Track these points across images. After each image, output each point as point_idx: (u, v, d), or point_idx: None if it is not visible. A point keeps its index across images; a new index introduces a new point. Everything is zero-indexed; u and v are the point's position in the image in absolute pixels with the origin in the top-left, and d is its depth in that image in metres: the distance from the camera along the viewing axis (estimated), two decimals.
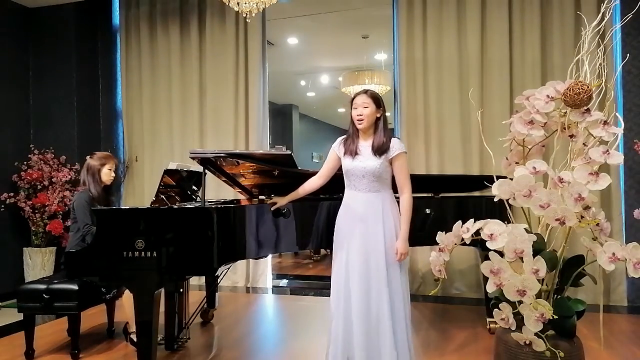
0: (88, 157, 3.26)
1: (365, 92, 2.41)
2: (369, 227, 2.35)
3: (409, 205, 2.36)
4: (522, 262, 1.78)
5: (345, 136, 2.49)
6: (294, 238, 2.78)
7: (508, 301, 1.82)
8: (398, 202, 2.42)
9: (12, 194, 4.62)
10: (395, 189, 2.45)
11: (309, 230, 2.84)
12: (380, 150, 2.35)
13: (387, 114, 2.58)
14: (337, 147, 2.49)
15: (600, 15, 2.00)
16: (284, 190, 2.68)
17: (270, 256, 5.05)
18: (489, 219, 1.87)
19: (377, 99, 2.40)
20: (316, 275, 5.97)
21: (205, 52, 5.14)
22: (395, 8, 4.72)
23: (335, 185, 2.61)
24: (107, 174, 3.23)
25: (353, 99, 2.42)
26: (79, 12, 5.09)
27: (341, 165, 2.48)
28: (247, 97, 5.03)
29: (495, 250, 1.82)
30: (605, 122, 1.84)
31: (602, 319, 1.99)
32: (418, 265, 4.57)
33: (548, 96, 1.92)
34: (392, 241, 2.34)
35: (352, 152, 2.39)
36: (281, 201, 2.61)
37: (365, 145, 2.40)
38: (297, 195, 2.59)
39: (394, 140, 2.38)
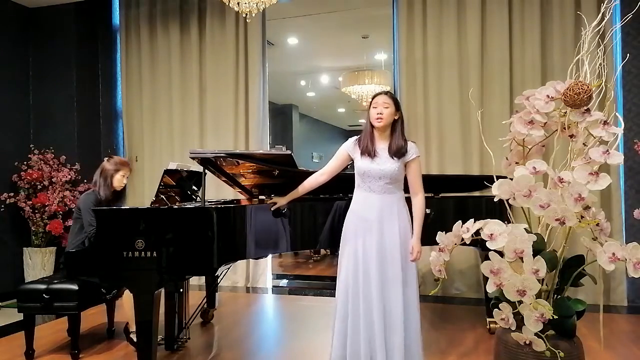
0: (105, 158, 3.26)
1: (386, 92, 2.44)
2: (384, 228, 2.36)
3: (423, 207, 2.41)
4: (522, 262, 1.78)
5: (358, 137, 2.48)
6: (295, 238, 2.78)
7: (508, 301, 1.82)
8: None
9: (12, 194, 4.62)
10: (405, 190, 2.48)
11: (309, 230, 2.83)
12: (398, 153, 2.37)
13: None
14: (350, 147, 2.47)
15: (600, 15, 2.00)
16: (284, 190, 2.68)
17: (270, 256, 5.05)
18: (489, 219, 1.87)
19: (397, 101, 2.43)
20: (316, 275, 5.98)
21: (205, 52, 5.13)
22: (395, 8, 4.72)
23: (335, 185, 2.61)
24: (119, 180, 3.20)
25: (373, 98, 2.43)
26: (79, 12, 5.09)
27: (347, 166, 2.50)
28: (247, 97, 5.03)
29: (495, 250, 1.82)
30: (605, 122, 1.84)
31: (602, 319, 1.99)
32: (418, 266, 4.50)
33: (548, 96, 1.92)
34: (406, 241, 2.37)
35: (370, 154, 2.39)
36: (281, 201, 2.61)
37: (382, 147, 2.41)
38: (297, 194, 2.59)
39: (410, 144, 2.42)
